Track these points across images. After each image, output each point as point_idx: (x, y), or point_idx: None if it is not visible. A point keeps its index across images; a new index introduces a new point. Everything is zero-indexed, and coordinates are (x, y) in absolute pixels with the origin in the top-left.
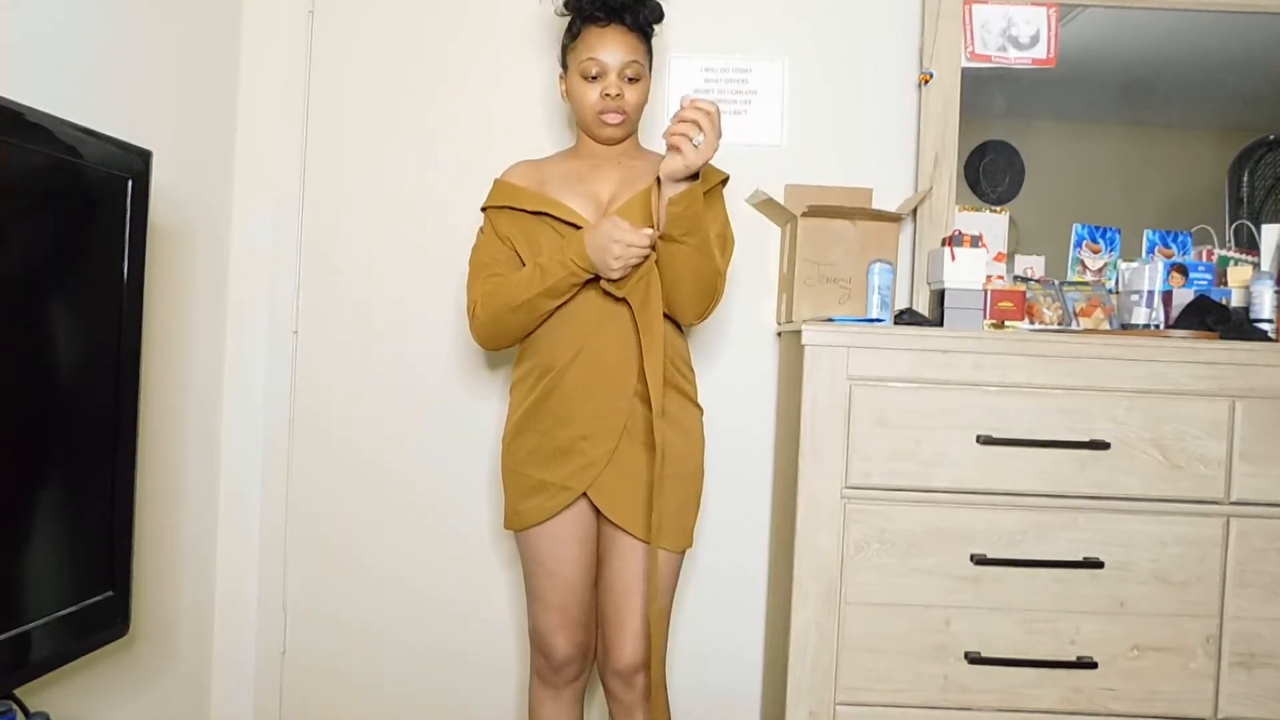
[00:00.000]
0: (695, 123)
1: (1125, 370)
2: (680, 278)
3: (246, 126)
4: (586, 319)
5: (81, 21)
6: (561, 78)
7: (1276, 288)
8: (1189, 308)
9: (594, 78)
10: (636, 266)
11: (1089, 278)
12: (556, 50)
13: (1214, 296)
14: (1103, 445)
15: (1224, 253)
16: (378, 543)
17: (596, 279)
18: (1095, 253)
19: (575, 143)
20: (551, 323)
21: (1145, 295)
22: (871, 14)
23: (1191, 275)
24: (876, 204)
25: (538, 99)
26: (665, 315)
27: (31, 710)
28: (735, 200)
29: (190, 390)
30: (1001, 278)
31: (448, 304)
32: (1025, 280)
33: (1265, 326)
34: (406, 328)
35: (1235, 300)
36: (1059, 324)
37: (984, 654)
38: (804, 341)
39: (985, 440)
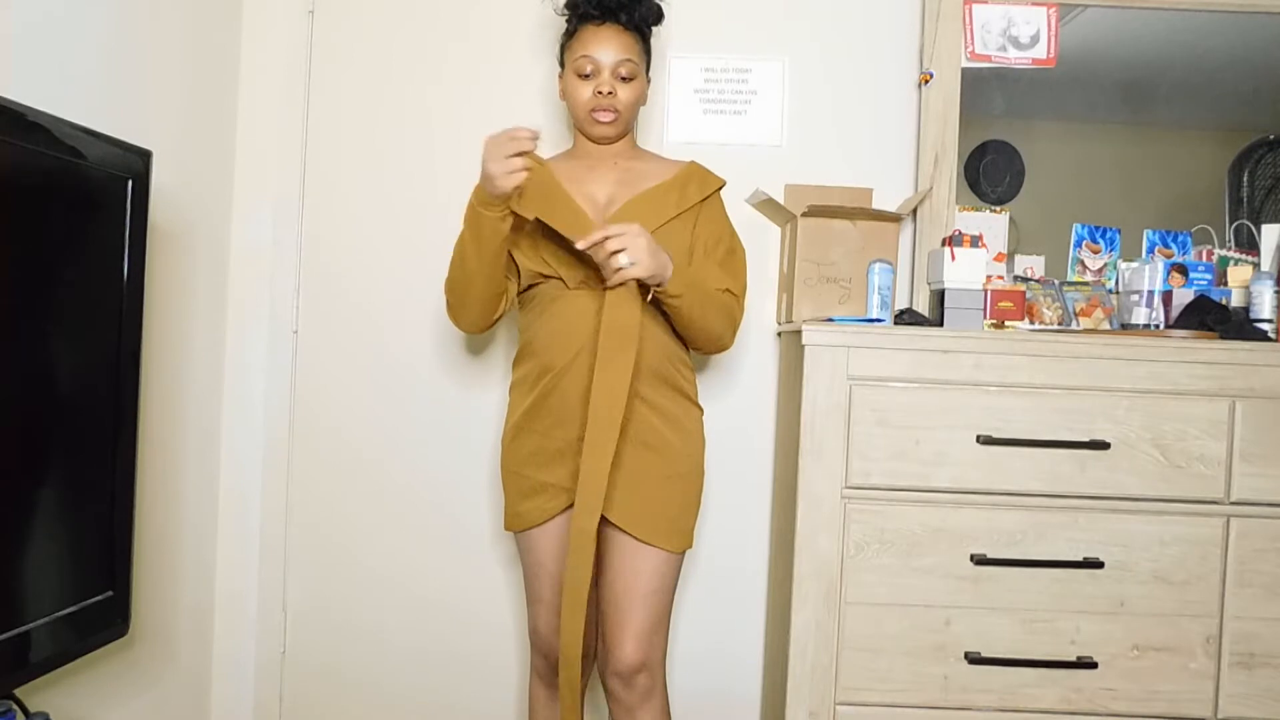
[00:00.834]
0: (615, 252)
1: (1125, 370)
2: (686, 327)
3: (246, 126)
4: (586, 320)
5: (81, 21)
6: (560, 76)
7: (1276, 288)
8: (1189, 308)
9: (587, 75)
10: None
11: (1089, 278)
12: (556, 51)
13: (1214, 296)
14: (1103, 445)
15: (1224, 253)
16: (378, 542)
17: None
18: (1095, 253)
19: (572, 143)
20: (551, 324)
21: (1145, 295)
22: (871, 14)
23: (1191, 275)
24: (876, 204)
25: (538, 99)
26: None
27: (31, 710)
28: (735, 200)
29: (190, 390)
30: (1001, 278)
31: None
32: (1025, 280)
33: (1265, 326)
34: (407, 328)
35: (1235, 300)
36: (1059, 324)
37: (984, 654)
38: (804, 341)
39: (985, 440)
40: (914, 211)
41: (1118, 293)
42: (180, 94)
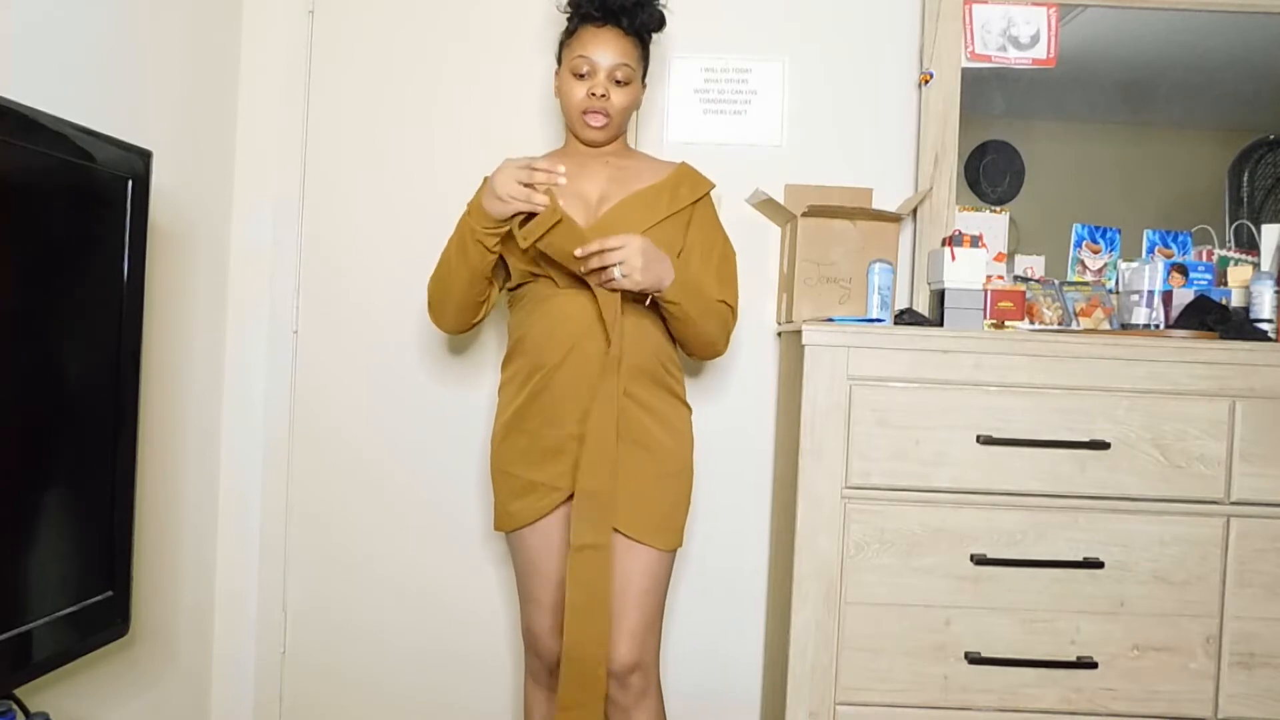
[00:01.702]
0: (606, 266)
1: (1125, 370)
2: (682, 331)
3: (246, 126)
4: (578, 319)
5: (81, 21)
6: (557, 73)
7: (1276, 288)
8: (1189, 308)
9: (582, 76)
10: (532, 219)
11: (1089, 278)
12: (556, 48)
13: (1214, 296)
14: (1103, 445)
15: (1224, 253)
16: (378, 542)
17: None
18: (1095, 253)
19: (564, 142)
20: (542, 323)
21: (1145, 295)
22: (871, 14)
23: (1191, 275)
24: (876, 204)
25: (538, 99)
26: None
27: (31, 710)
28: (735, 200)
29: (190, 390)
30: (1001, 278)
31: None
32: (1025, 280)
33: (1265, 326)
34: (406, 327)
35: (1235, 300)
36: (1059, 324)
37: (984, 654)
38: (804, 341)
39: (985, 440)
40: (914, 211)
41: (1118, 293)
42: (180, 94)
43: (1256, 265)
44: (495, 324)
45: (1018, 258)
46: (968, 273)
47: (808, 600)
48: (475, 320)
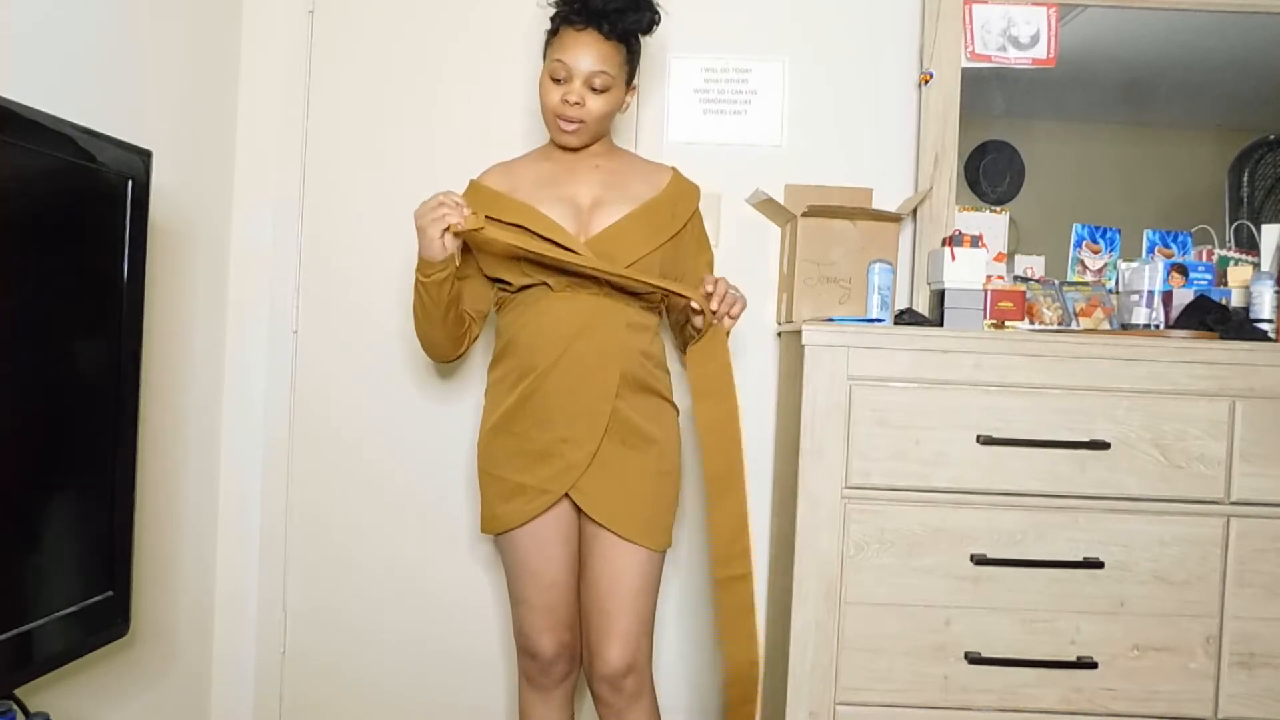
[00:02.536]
0: (723, 306)
1: (1125, 370)
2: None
3: (246, 126)
4: (570, 322)
5: (82, 21)
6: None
7: (1276, 288)
8: (1189, 308)
9: (559, 80)
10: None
11: (1089, 278)
12: (543, 48)
13: (1214, 296)
14: (1103, 445)
15: (1224, 253)
16: (378, 542)
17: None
18: (1095, 253)
19: (549, 140)
20: (533, 325)
21: (1145, 295)
22: (871, 14)
23: (1191, 275)
24: (876, 204)
25: (538, 99)
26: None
27: (31, 710)
28: (735, 200)
29: (190, 390)
30: (1001, 278)
31: None
32: (1025, 280)
33: (1265, 326)
34: (407, 327)
35: (1235, 300)
36: (1059, 324)
37: (984, 654)
38: (804, 341)
39: (985, 440)
40: (914, 211)
41: (1118, 293)
42: (180, 94)
43: (1256, 265)
44: (491, 326)
45: (1018, 258)
46: (968, 273)
47: (808, 600)
48: (461, 351)
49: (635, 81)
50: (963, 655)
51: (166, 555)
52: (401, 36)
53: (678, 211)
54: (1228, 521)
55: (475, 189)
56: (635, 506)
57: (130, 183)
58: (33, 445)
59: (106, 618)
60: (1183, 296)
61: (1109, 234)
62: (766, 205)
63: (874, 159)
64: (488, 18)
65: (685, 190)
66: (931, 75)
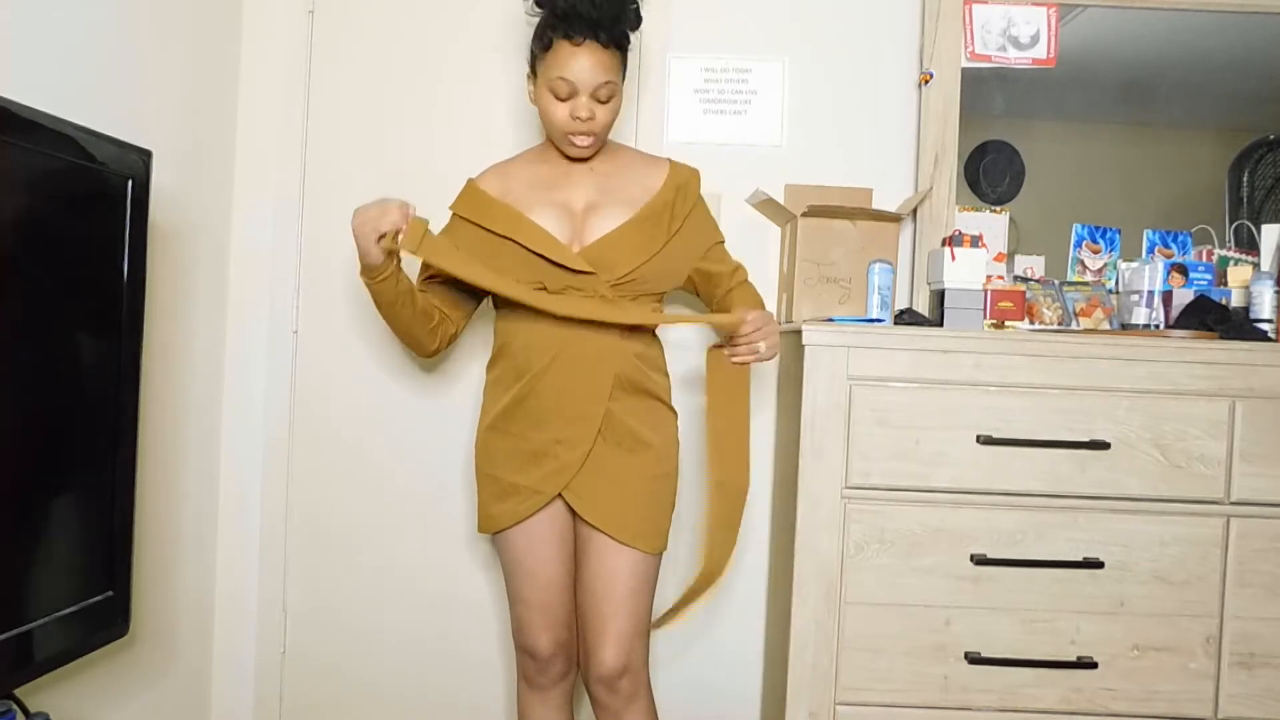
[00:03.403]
0: (753, 336)
1: (1125, 370)
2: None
3: (246, 126)
4: (565, 324)
5: (82, 21)
6: (529, 79)
7: (1276, 288)
8: (1189, 308)
9: (563, 97)
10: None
11: (1089, 278)
12: (527, 54)
13: (1214, 296)
14: (1103, 445)
15: (1224, 253)
16: (378, 542)
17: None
18: (1095, 253)
19: (543, 140)
20: (529, 326)
21: (1145, 295)
22: (871, 14)
23: (1191, 275)
24: (876, 204)
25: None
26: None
27: (31, 710)
28: (735, 200)
29: (190, 390)
30: (1001, 278)
31: None
32: (1025, 280)
33: (1265, 326)
34: None
35: (1235, 300)
36: (1059, 324)
37: (984, 654)
38: (804, 341)
39: (985, 440)
40: (914, 211)
41: (1118, 293)
42: (180, 94)
43: (1256, 265)
44: (490, 324)
45: (1018, 258)
46: (968, 273)
47: (808, 600)
48: (438, 346)
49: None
50: (963, 655)
51: (166, 555)
52: (401, 36)
53: (677, 210)
54: (1228, 521)
55: (472, 192)
56: (629, 509)
57: (130, 183)
58: (33, 445)
59: (106, 618)
60: (1183, 296)
61: (1109, 234)
62: (766, 205)
63: (874, 159)
64: (488, 18)
65: (684, 183)
66: (931, 75)
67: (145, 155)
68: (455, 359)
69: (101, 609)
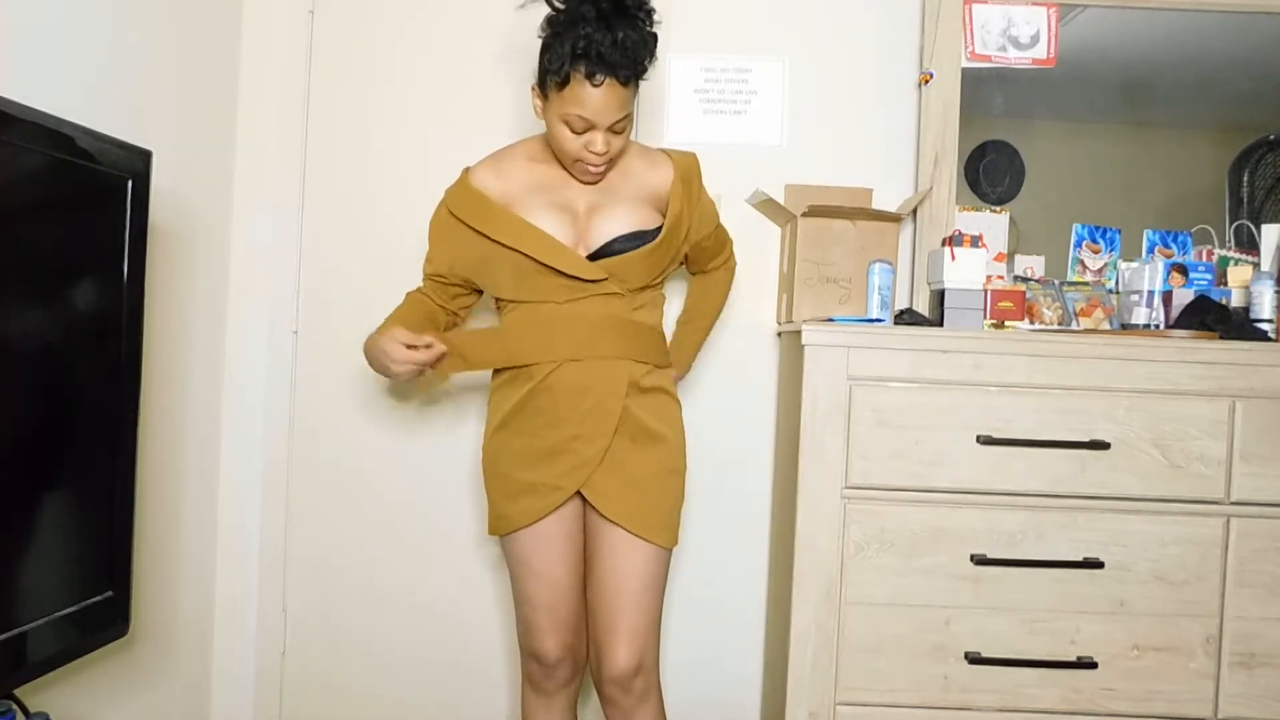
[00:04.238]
0: None
1: (1125, 370)
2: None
3: (246, 126)
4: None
5: (82, 21)
6: (535, 91)
7: (1276, 288)
8: (1189, 308)
9: (579, 131)
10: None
11: (1089, 278)
12: (538, 74)
13: (1214, 296)
14: (1103, 445)
15: (1224, 253)
16: (378, 544)
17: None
18: (1095, 253)
19: (544, 146)
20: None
21: (1145, 295)
22: (871, 14)
23: (1191, 275)
24: (876, 204)
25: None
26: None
27: (31, 710)
28: (735, 200)
29: (190, 390)
30: (1001, 278)
31: None
32: (1025, 280)
33: (1265, 326)
34: None
35: (1235, 300)
36: (1059, 324)
37: (984, 654)
38: (804, 341)
39: (985, 440)
40: (914, 211)
41: (1118, 293)
42: (180, 94)
43: (1256, 265)
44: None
45: (1018, 258)
46: (968, 273)
47: (808, 600)
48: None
49: None
50: (963, 655)
51: (166, 555)
52: (401, 37)
53: (693, 224)
54: (1228, 521)
55: (469, 195)
56: (646, 503)
57: (130, 183)
58: (33, 445)
59: (106, 618)
60: (1183, 296)
61: (1109, 234)
62: (766, 205)
63: (874, 159)
64: (488, 18)
65: (688, 177)
66: (931, 75)
67: (145, 155)
68: None
69: (101, 609)
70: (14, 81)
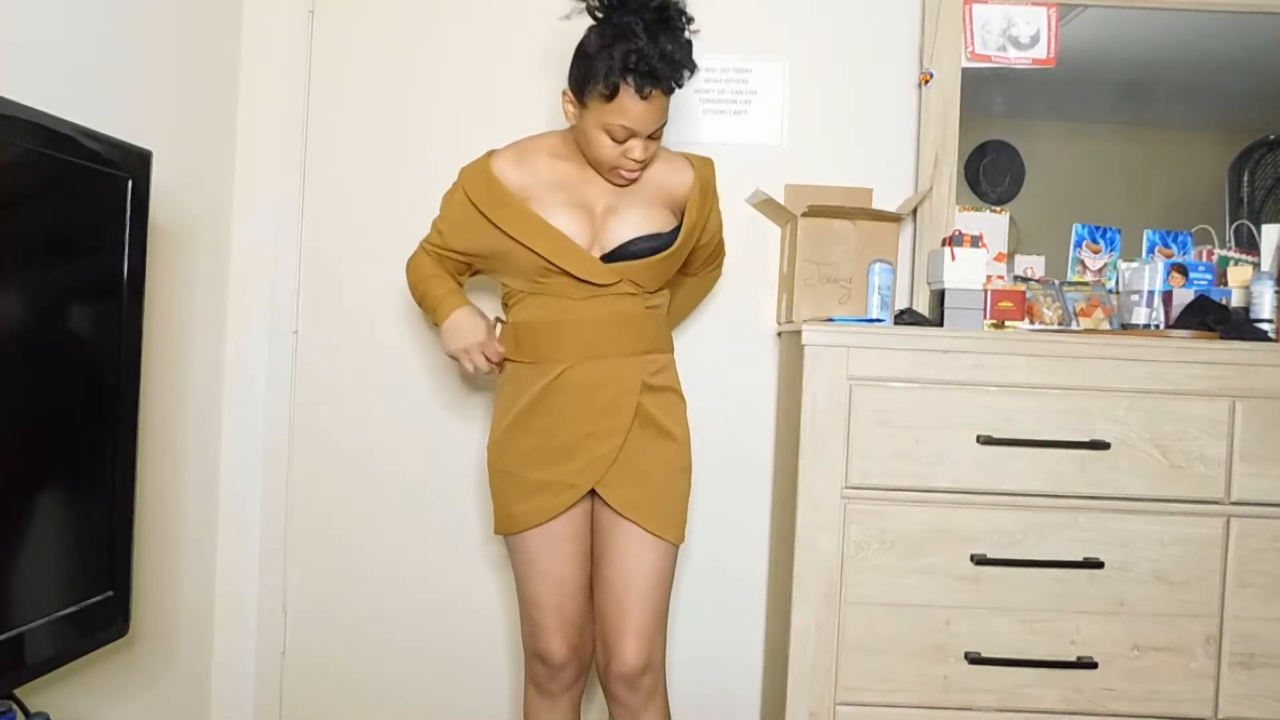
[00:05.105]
0: None
1: (1125, 370)
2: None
3: (246, 126)
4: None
5: (83, 22)
6: (567, 97)
7: (1276, 288)
8: (1189, 308)
9: (620, 140)
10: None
11: (1089, 278)
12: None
13: (1214, 296)
14: (1103, 445)
15: (1224, 253)
16: (378, 542)
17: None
18: (1095, 253)
19: (565, 142)
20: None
21: (1145, 295)
22: (871, 14)
23: (1191, 275)
24: (876, 204)
25: (538, 100)
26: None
27: (31, 710)
28: (735, 200)
29: (190, 390)
30: (1001, 278)
31: None
32: (1025, 280)
33: (1265, 326)
34: (406, 327)
35: (1235, 300)
36: (1059, 324)
37: (984, 654)
38: (804, 341)
39: (985, 440)
40: (914, 211)
41: (1118, 293)
42: (180, 94)
43: (1256, 265)
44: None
45: (1018, 258)
46: (968, 273)
47: (808, 600)
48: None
49: None
50: (963, 655)
51: (166, 555)
52: (401, 36)
53: (707, 227)
54: (1228, 521)
55: (489, 184)
56: (658, 500)
57: (130, 183)
58: (33, 445)
59: (106, 618)
60: (1183, 296)
61: (1109, 234)
62: (766, 205)
63: (874, 159)
64: (489, 18)
65: (706, 184)
66: (931, 75)
67: (145, 155)
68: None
69: (101, 609)
70: (14, 81)
